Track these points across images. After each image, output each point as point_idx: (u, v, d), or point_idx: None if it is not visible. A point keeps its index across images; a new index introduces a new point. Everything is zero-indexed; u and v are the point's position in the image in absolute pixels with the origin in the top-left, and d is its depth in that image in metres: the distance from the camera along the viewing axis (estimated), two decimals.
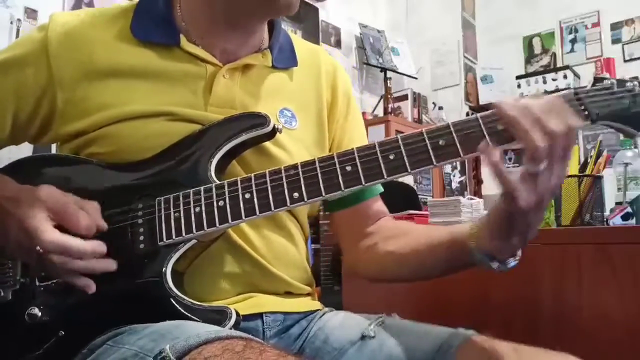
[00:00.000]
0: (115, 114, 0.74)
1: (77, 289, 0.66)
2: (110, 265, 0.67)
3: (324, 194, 0.65)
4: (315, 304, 0.86)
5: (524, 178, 0.60)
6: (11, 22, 2.11)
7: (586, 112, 0.64)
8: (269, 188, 0.67)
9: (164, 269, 0.67)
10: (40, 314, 0.67)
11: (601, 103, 0.64)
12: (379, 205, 0.91)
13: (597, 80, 0.67)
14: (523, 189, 0.60)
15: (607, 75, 0.67)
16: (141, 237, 0.69)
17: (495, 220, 0.66)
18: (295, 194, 0.66)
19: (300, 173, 0.66)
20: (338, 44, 3.62)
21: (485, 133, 0.62)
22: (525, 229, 0.65)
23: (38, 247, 0.63)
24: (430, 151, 0.63)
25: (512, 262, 0.69)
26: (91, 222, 0.67)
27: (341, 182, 0.65)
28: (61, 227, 0.66)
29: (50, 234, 0.64)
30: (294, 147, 0.80)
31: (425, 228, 0.85)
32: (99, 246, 0.67)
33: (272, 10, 0.79)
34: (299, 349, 0.79)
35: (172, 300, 0.66)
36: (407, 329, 0.77)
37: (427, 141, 0.64)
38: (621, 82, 0.65)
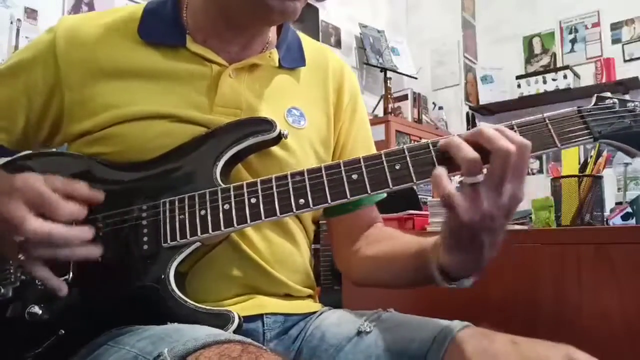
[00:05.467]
0: (120, 114, 0.74)
1: (51, 290, 0.65)
2: (94, 251, 0.66)
3: (329, 200, 0.66)
4: (316, 306, 0.86)
5: (463, 191, 0.60)
6: (11, 22, 2.11)
7: (588, 130, 0.65)
8: (275, 193, 0.67)
9: (167, 270, 0.67)
10: (40, 312, 0.66)
11: (603, 122, 0.66)
12: (375, 212, 0.92)
13: (599, 99, 0.68)
14: (462, 202, 0.60)
15: (609, 94, 0.69)
16: (145, 238, 0.69)
17: (444, 233, 0.66)
18: (301, 200, 0.66)
19: (307, 180, 0.67)
20: (338, 44, 3.62)
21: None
22: (477, 248, 0.63)
23: (21, 237, 0.62)
24: (436, 163, 0.64)
25: (466, 283, 0.67)
26: (73, 208, 0.65)
27: (347, 189, 0.65)
28: (43, 216, 0.64)
29: (33, 222, 0.62)
30: (300, 148, 0.80)
31: (406, 236, 0.84)
32: (85, 231, 0.65)
33: (267, 20, 0.78)
34: (297, 349, 0.79)
35: (174, 303, 0.66)
36: (403, 322, 0.77)
37: (433, 153, 0.64)
38: (623, 102, 0.67)
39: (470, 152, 0.60)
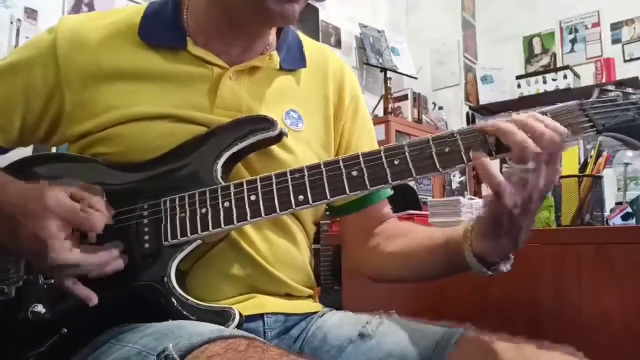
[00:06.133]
0: (121, 115, 0.74)
1: (80, 300, 0.66)
2: (119, 265, 0.67)
3: (329, 197, 0.66)
4: (316, 306, 0.87)
5: (509, 177, 0.62)
6: (11, 22, 2.11)
7: (591, 123, 0.65)
8: (275, 190, 0.67)
9: (168, 269, 0.68)
10: (43, 311, 0.67)
11: (607, 114, 0.66)
12: (386, 208, 0.92)
13: (602, 91, 0.68)
14: (508, 188, 0.62)
15: (612, 87, 0.68)
16: (146, 237, 0.69)
17: (484, 219, 0.67)
18: (301, 197, 0.67)
19: (306, 176, 0.67)
20: (338, 44, 3.62)
21: (488, 140, 0.64)
22: (515, 232, 0.65)
23: (53, 260, 0.63)
24: (435, 157, 0.64)
25: (503, 267, 0.69)
26: (104, 218, 0.67)
27: (346, 185, 0.66)
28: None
29: (67, 253, 0.63)
30: (299, 149, 0.80)
31: (427, 229, 0.86)
32: (114, 252, 0.67)
33: (267, 23, 0.79)
34: (298, 349, 0.79)
35: (176, 301, 0.67)
36: (405, 327, 0.77)
37: (433, 148, 0.65)
38: (626, 95, 0.67)
39: (525, 138, 0.61)
